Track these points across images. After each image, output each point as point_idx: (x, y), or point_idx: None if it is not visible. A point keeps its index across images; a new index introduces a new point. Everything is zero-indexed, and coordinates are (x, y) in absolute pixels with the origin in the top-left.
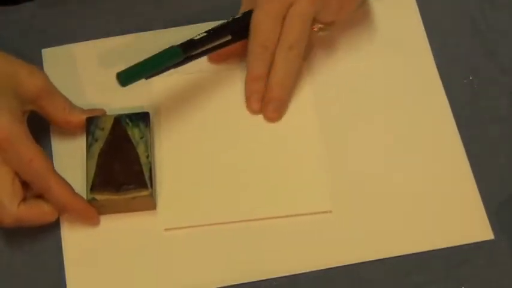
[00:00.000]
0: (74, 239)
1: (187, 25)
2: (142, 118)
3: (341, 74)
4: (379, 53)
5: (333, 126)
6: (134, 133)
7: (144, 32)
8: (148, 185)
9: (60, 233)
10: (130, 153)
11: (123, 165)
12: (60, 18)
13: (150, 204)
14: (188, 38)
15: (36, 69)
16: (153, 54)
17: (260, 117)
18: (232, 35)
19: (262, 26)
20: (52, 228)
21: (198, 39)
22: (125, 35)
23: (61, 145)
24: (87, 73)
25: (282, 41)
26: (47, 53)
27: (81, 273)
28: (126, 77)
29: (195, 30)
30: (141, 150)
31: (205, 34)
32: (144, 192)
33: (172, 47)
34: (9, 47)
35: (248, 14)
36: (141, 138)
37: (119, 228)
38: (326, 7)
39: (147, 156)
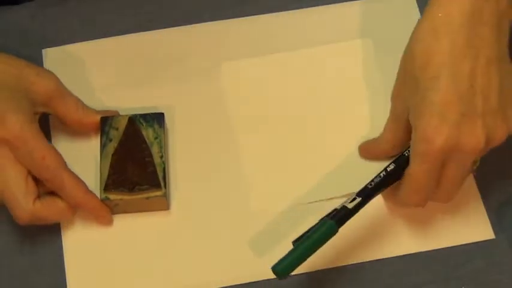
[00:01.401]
0: (74, 240)
1: (187, 25)
2: (156, 118)
3: (341, 75)
4: (379, 54)
5: (333, 127)
6: (148, 133)
7: (144, 32)
8: (162, 186)
9: (60, 234)
10: (144, 153)
11: (136, 166)
12: (60, 18)
13: (164, 205)
14: (340, 206)
15: (45, 71)
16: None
17: (278, 114)
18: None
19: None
20: (52, 229)
21: (352, 207)
22: (124, 35)
23: (65, 143)
24: (87, 73)
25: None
26: (47, 53)
27: (81, 274)
28: (284, 270)
29: (195, 31)
30: (155, 150)
31: (358, 200)
32: (158, 193)
33: (325, 222)
34: (9, 47)
35: (400, 167)
36: (155, 138)
37: (118, 229)
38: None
39: (161, 157)
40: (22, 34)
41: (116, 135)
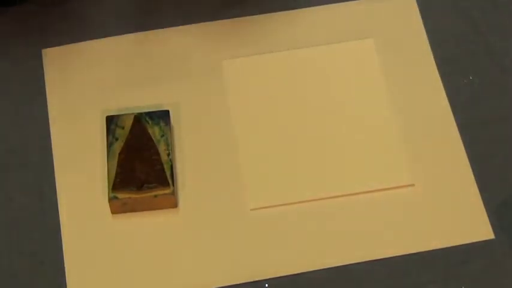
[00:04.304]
0: (74, 240)
1: (187, 25)
2: (162, 116)
3: (342, 75)
4: (380, 53)
5: (333, 125)
6: (155, 131)
7: (144, 32)
8: (170, 183)
9: (60, 234)
10: (151, 151)
11: (144, 164)
12: (60, 18)
13: (172, 202)
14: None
15: None
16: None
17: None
18: None
19: None
20: (52, 229)
21: None
22: (125, 35)
23: (68, 143)
24: (87, 73)
25: None
26: (47, 53)
27: (81, 274)
28: None
29: (194, 30)
30: (162, 148)
31: None
32: (166, 190)
33: None
34: (9, 47)
35: None
36: (162, 136)
37: (118, 228)
38: None
39: (168, 154)
40: (22, 34)
41: (122, 134)
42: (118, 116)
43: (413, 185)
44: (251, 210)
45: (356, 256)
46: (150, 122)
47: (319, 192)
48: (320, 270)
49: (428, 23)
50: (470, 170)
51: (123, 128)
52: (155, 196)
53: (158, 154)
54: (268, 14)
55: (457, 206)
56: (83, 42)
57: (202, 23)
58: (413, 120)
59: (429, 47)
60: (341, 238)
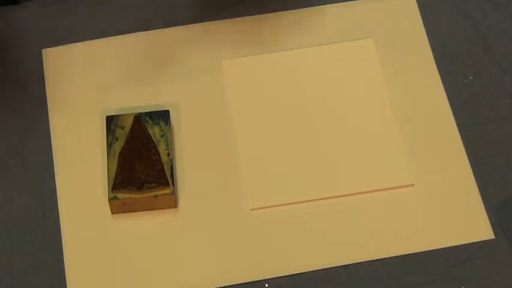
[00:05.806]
0: (74, 240)
1: (187, 25)
2: (162, 116)
3: (342, 75)
4: (380, 53)
5: (329, 127)
6: (155, 131)
7: (144, 32)
8: (170, 183)
9: (60, 234)
10: (151, 151)
11: (144, 164)
12: (60, 18)
13: (172, 202)
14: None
15: None
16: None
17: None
18: None
19: None
20: (52, 229)
21: None
22: (124, 35)
23: (68, 143)
24: (87, 73)
25: None
26: (47, 53)
27: (81, 274)
28: None
29: (194, 30)
30: (161, 148)
31: None
32: (166, 190)
33: None
34: (9, 47)
35: None
36: (162, 136)
37: (118, 228)
38: None
39: (168, 154)
40: (22, 34)
41: (122, 134)
42: (118, 116)
43: (413, 185)
44: (251, 210)
45: (356, 256)
46: (150, 122)
47: (319, 192)
48: (320, 270)
49: (428, 23)
50: (470, 170)
51: (123, 128)
52: (155, 196)
53: (158, 154)
54: (268, 13)
55: (457, 206)
56: (83, 42)
57: (202, 23)
58: (413, 120)
59: (429, 47)
60: (341, 238)
